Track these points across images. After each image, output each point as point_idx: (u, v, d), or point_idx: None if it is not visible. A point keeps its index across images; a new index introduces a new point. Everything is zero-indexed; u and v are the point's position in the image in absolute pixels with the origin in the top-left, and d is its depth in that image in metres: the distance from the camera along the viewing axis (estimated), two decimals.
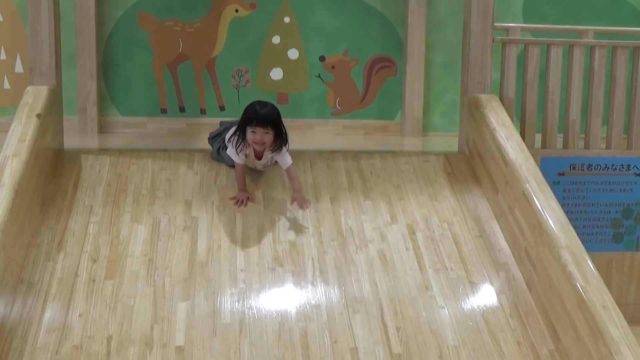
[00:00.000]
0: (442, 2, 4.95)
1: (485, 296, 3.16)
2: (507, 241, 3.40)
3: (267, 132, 3.41)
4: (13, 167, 3.08)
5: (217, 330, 2.86)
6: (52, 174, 3.57)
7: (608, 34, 4.39)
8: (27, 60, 3.73)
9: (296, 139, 3.82)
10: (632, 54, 4.20)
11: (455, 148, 4.13)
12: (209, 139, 3.85)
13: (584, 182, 4.18)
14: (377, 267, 3.21)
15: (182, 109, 4.86)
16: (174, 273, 3.09)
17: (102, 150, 4.06)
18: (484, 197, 3.67)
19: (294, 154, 3.88)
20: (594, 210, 4.21)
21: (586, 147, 4.21)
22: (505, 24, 4.21)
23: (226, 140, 3.54)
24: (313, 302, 3.03)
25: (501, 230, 3.46)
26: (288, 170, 3.52)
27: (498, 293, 3.17)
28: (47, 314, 2.86)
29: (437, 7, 4.94)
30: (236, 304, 2.99)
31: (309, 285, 3.11)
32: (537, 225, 3.14)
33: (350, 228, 3.42)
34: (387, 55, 4.97)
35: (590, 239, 4.16)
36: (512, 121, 3.79)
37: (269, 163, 3.61)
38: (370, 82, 4.97)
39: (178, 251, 3.20)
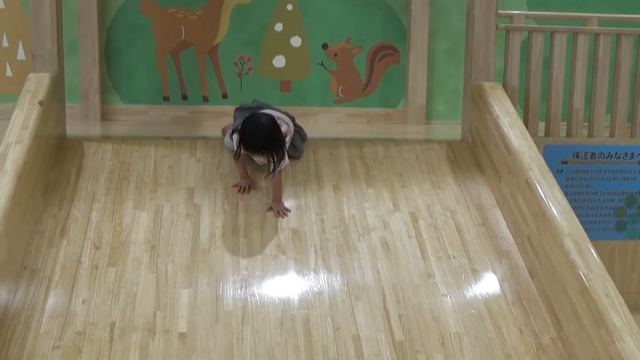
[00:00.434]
0: None
1: (488, 284, 3.16)
2: (509, 229, 3.40)
3: (261, 155, 3.34)
4: (15, 154, 3.08)
5: (219, 317, 2.87)
6: (55, 161, 3.57)
7: (612, 21, 4.36)
8: (29, 47, 3.72)
9: None
10: (637, 41, 4.19)
11: (458, 136, 4.12)
12: (237, 109, 3.78)
13: (588, 171, 4.17)
14: (379, 255, 3.22)
15: (184, 97, 4.85)
16: (177, 260, 3.10)
17: (105, 138, 4.05)
18: (486, 185, 3.66)
19: None
20: (597, 198, 4.20)
21: (590, 135, 4.20)
22: (509, 11, 4.19)
23: (227, 136, 3.52)
24: (315, 289, 3.04)
25: (504, 218, 3.46)
26: (276, 177, 3.37)
27: (500, 281, 3.17)
28: (50, 301, 2.86)
29: None
30: (239, 291, 2.99)
31: (312, 273, 3.11)
32: (540, 213, 3.14)
33: (353, 216, 3.42)
34: (390, 42, 4.95)
35: (593, 228, 4.16)
36: (516, 109, 3.78)
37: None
38: (373, 70, 4.96)
39: (181, 238, 3.20)
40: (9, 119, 3.32)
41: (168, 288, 2.97)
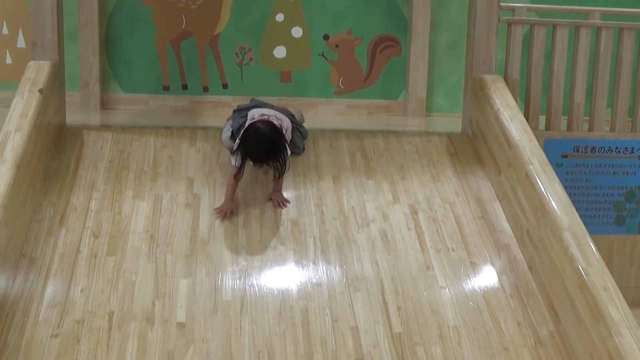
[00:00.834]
0: None
1: (486, 277, 3.16)
2: (509, 222, 3.40)
3: (266, 165, 3.29)
4: (15, 142, 3.08)
5: (218, 307, 2.87)
6: (54, 149, 3.56)
7: (615, 15, 4.35)
8: (29, 35, 3.70)
9: None
10: (639, 36, 4.17)
11: (458, 129, 4.11)
12: (234, 110, 3.68)
13: (587, 165, 4.17)
14: (378, 247, 3.22)
15: (184, 87, 4.84)
16: (176, 250, 3.10)
17: (105, 127, 4.04)
18: (486, 178, 3.66)
19: None
20: (596, 193, 4.20)
21: (590, 129, 4.19)
22: (511, 4, 4.17)
23: (231, 150, 3.36)
24: (314, 280, 3.04)
25: (503, 211, 3.46)
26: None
27: (499, 274, 3.17)
28: (49, 289, 2.86)
29: None
30: (237, 281, 2.99)
31: (311, 264, 3.11)
32: (540, 207, 3.14)
33: (353, 207, 3.41)
34: (391, 34, 4.93)
35: (592, 222, 4.15)
36: (516, 102, 3.77)
37: None
38: (374, 62, 4.94)
39: (180, 228, 3.20)
40: (9, 106, 3.31)
41: (167, 278, 2.97)
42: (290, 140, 3.53)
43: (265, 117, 3.41)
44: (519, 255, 3.24)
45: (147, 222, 3.21)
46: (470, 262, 3.20)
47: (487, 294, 3.06)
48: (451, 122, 4.52)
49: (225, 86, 4.87)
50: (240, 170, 3.28)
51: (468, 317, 2.94)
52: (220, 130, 3.72)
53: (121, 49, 4.74)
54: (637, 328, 2.60)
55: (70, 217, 3.19)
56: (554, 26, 4.08)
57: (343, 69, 4.93)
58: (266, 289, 2.98)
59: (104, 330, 2.73)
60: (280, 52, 4.89)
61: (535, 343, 2.88)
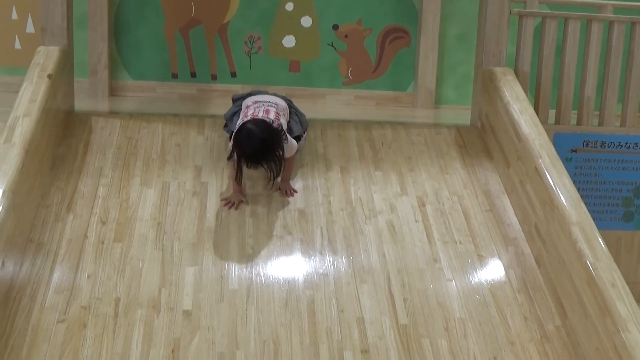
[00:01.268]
0: None
1: (494, 270, 3.15)
2: (517, 216, 3.38)
3: (258, 167, 3.20)
4: (24, 127, 3.08)
5: (224, 295, 2.87)
6: (63, 135, 3.56)
7: (627, 9, 4.31)
8: (39, 21, 3.70)
9: (307, 108, 3.79)
10: None
11: (467, 121, 4.10)
12: (225, 125, 3.61)
13: (597, 160, 4.15)
14: (385, 238, 3.21)
15: (193, 74, 4.83)
16: (183, 237, 3.10)
17: (113, 114, 4.04)
18: (495, 171, 3.65)
19: None
20: (605, 188, 4.18)
21: (600, 124, 4.17)
22: None
23: (231, 141, 3.27)
24: (321, 270, 3.03)
25: (512, 205, 3.44)
26: (289, 160, 3.29)
27: (506, 268, 3.16)
28: (56, 275, 2.87)
29: None
30: (244, 270, 2.99)
31: (317, 254, 3.11)
32: (549, 201, 3.12)
33: (360, 198, 3.41)
34: (401, 25, 4.90)
35: (600, 217, 4.14)
36: (527, 96, 3.75)
37: None
38: (384, 53, 4.92)
39: (187, 216, 3.20)
40: (17, 91, 3.31)
41: (173, 265, 2.97)
42: (288, 127, 3.42)
43: (260, 109, 3.29)
44: (527, 250, 3.23)
45: (155, 209, 3.21)
46: (478, 255, 3.19)
47: (493, 288, 3.05)
48: (460, 114, 4.50)
49: (233, 75, 4.85)
50: (238, 172, 3.19)
51: (474, 311, 2.94)
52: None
53: (130, 36, 4.73)
54: None
55: (78, 203, 3.20)
56: (566, 19, 4.05)
57: (352, 60, 4.91)
58: (272, 278, 2.98)
59: (110, 317, 2.73)
60: (289, 41, 4.87)
61: (541, 338, 2.87)
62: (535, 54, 4.06)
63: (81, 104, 3.96)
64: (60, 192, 3.24)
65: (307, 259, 3.09)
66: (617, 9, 4.16)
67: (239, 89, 4.76)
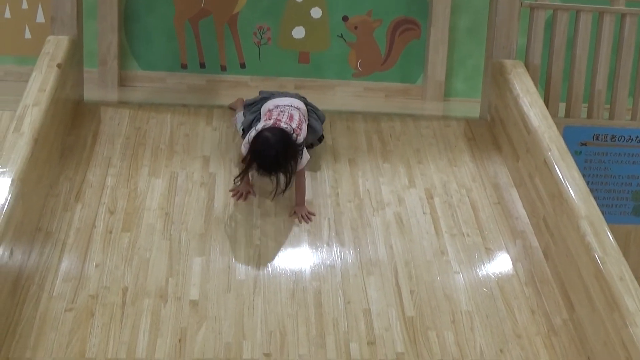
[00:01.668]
0: None
1: (501, 263, 3.14)
2: (525, 209, 3.37)
3: (271, 175, 3.12)
4: (33, 116, 3.08)
5: (231, 286, 2.88)
6: (72, 124, 3.57)
7: None
8: (49, 10, 3.70)
9: (316, 99, 3.78)
10: None
11: (476, 114, 4.08)
12: (244, 105, 3.59)
13: (607, 153, 4.12)
14: (393, 230, 3.20)
15: (202, 65, 4.82)
16: (190, 228, 3.10)
17: (122, 104, 4.05)
18: (504, 164, 3.63)
19: None
20: (615, 182, 4.15)
21: (611, 117, 4.14)
22: None
23: (242, 143, 3.23)
24: (328, 262, 3.03)
25: (520, 198, 3.43)
26: (298, 173, 3.18)
27: (514, 261, 3.15)
28: (64, 264, 2.88)
29: None
30: (251, 261, 3.00)
31: (325, 246, 3.11)
32: (557, 194, 3.11)
33: (368, 190, 3.40)
34: (411, 17, 4.88)
35: (609, 211, 4.11)
36: (537, 88, 3.73)
37: None
38: (393, 44, 4.90)
39: (195, 206, 3.20)
40: (27, 81, 3.31)
41: (181, 255, 2.98)
42: (309, 125, 3.41)
43: (284, 113, 3.21)
44: (535, 243, 3.22)
45: (163, 199, 3.22)
46: (485, 248, 3.18)
47: (501, 281, 3.05)
48: (469, 106, 4.47)
49: (242, 66, 4.84)
50: (244, 172, 3.14)
51: (481, 303, 2.93)
52: (233, 116, 3.69)
53: (140, 26, 4.73)
54: None
55: (86, 193, 3.21)
56: (577, 11, 4.01)
57: (361, 51, 4.89)
58: (279, 269, 2.98)
59: (117, 306, 2.74)
60: (298, 32, 4.86)
61: (548, 331, 2.87)
62: (546, 47, 4.03)
63: (90, 93, 3.97)
64: (69, 181, 3.25)
65: (314, 251, 3.09)
66: (630, 2, 4.12)
67: (247, 80, 4.76)
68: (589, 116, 4.12)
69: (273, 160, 3.05)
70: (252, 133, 3.16)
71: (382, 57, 4.91)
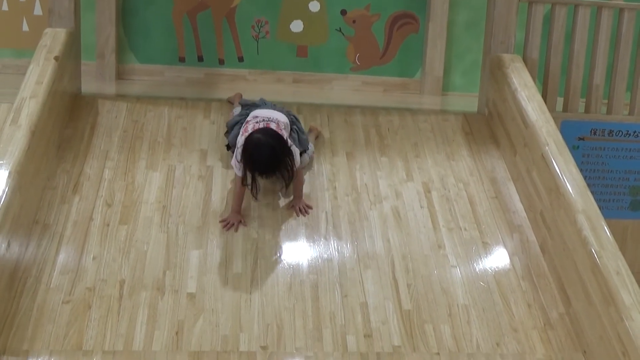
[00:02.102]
0: None
1: (498, 257, 3.14)
2: (522, 203, 3.37)
3: (272, 176, 3.12)
4: (30, 109, 3.08)
5: (228, 279, 2.88)
6: (69, 117, 3.56)
7: None
8: (46, 3, 3.69)
9: (314, 93, 3.79)
10: None
11: (474, 108, 4.08)
12: (226, 132, 3.49)
13: (604, 148, 4.12)
14: (390, 224, 3.21)
15: (200, 58, 4.82)
16: (188, 221, 3.10)
17: (119, 97, 4.04)
18: (501, 158, 3.63)
19: (312, 109, 3.86)
20: (612, 176, 4.16)
21: (608, 112, 4.14)
22: None
23: (233, 158, 3.18)
24: (325, 255, 3.04)
25: (517, 192, 3.43)
26: (297, 173, 3.17)
27: (511, 255, 3.15)
28: (62, 256, 2.88)
29: None
30: (248, 254, 3.00)
31: (322, 239, 3.11)
32: (555, 188, 3.11)
33: (365, 184, 3.40)
34: (409, 11, 4.88)
35: (607, 206, 4.12)
36: (535, 83, 3.73)
37: None
38: (391, 39, 4.90)
39: (192, 199, 3.21)
40: (25, 73, 3.31)
41: (178, 248, 2.98)
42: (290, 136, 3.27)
43: (259, 124, 3.17)
44: (532, 237, 3.23)
45: (160, 192, 3.22)
46: (482, 242, 3.19)
47: (498, 275, 3.05)
48: (467, 101, 4.48)
49: (241, 59, 4.84)
50: (244, 180, 3.09)
51: (478, 297, 2.94)
52: (231, 110, 3.69)
53: (138, 20, 4.72)
54: None
55: (84, 186, 3.20)
56: (576, 6, 4.01)
57: (360, 45, 4.88)
58: (277, 262, 2.98)
59: (114, 298, 2.75)
60: (297, 26, 4.85)
61: (544, 325, 2.87)
62: (544, 41, 4.03)
63: (88, 86, 3.97)
64: (66, 174, 3.24)
65: (311, 244, 3.09)
66: None
67: (245, 73, 4.76)
68: (587, 111, 4.12)
69: (271, 156, 3.03)
70: (239, 150, 3.10)
71: (380, 51, 4.91)
